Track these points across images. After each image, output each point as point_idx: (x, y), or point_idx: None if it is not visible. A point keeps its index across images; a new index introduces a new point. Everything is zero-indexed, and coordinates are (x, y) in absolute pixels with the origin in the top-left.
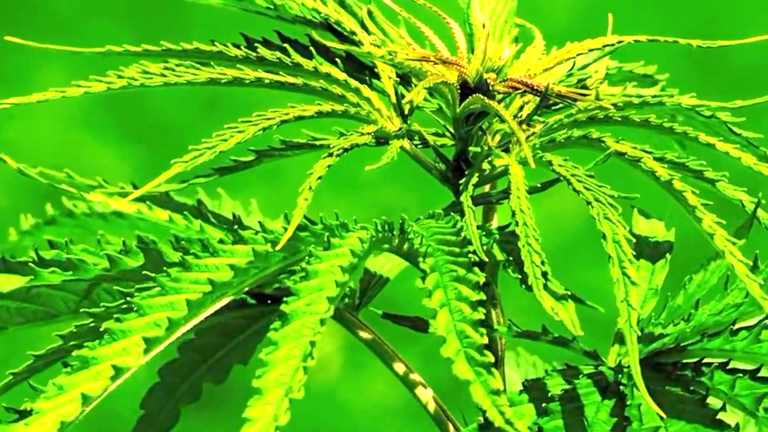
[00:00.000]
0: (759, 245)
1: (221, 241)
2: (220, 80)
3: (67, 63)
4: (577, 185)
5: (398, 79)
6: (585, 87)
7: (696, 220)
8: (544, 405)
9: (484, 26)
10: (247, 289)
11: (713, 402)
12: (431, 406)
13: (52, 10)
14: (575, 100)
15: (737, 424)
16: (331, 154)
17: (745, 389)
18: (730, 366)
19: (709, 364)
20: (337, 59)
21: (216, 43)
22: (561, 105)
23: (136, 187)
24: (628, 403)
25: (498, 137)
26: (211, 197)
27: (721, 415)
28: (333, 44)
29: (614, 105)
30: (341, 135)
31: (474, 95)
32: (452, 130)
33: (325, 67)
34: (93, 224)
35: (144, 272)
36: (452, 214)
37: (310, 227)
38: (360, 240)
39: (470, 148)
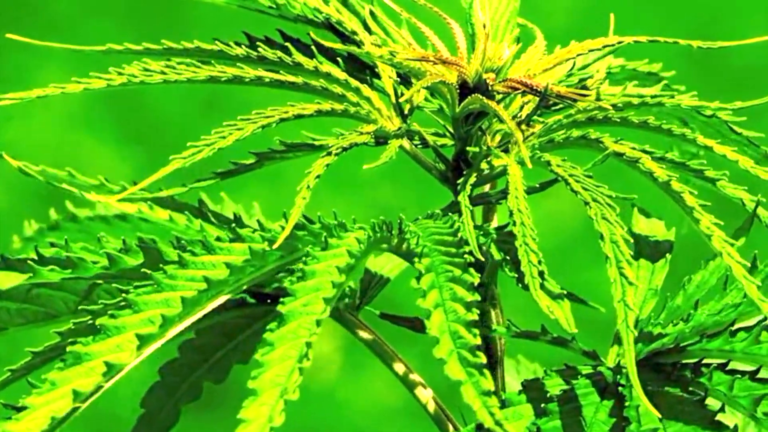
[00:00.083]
0: (758, 245)
1: (218, 239)
2: (220, 78)
3: (66, 63)
4: (575, 185)
5: (398, 79)
6: (585, 87)
7: (694, 221)
8: (542, 405)
9: (484, 26)
10: (245, 287)
11: (712, 403)
12: (431, 407)
13: (52, 10)
14: (575, 100)
15: (735, 426)
16: (329, 153)
17: (744, 390)
18: (729, 367)
19: (708, 365)
20: (338, 59)
21: (217, 41)
22: (561, 105)
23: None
24: (627, 403)
25: (498, 137)
26: (214, 201)
27: (720, 417)
28: (334, 45)
29: (614, 105)
30: (340, 135)
31: (473, 95)
32: (452, 130)
33: (326, 67)
34: (96, 228)
35: (143, 270)
36: (450, 214)
37: (308, 226)
38: (357, 240)
39: (469, 148)
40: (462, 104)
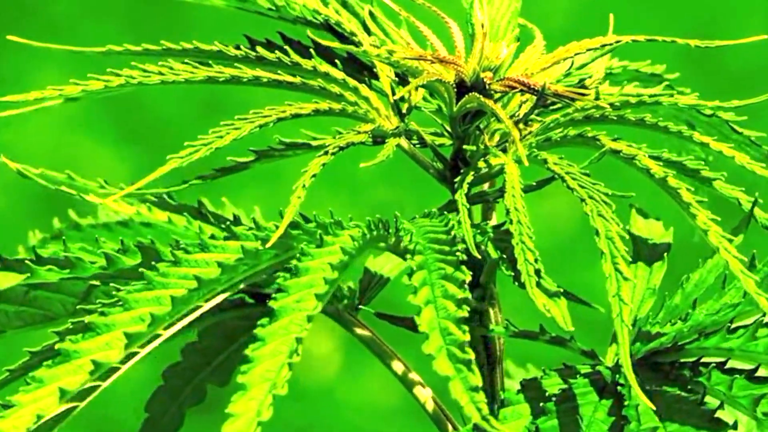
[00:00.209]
0: (756, 246)
1: (213, 237)
2: (218, 78)
3: (65, 65)
4: (571, 183)
5: (396, 79)
6: (584, 86)
7: (690, 216)
8: (540, 405)
9: (482, 26)
10: (241, 287)
11: (711, 401)
12: (429, 406)
13: (50, 11)
14: (573, 99)
15: (735, 422)
16: (326, 152)
17: (743, 389)
18: (728, 366)
19: (706, 364)
20: (337, 60)
21: (216, 42)
22: (559, 105)
23: (137, 189)
24: (626, 403)
25: (497, 137)
26: (216, 206)
27: (719, 413)
28: (333, 44)
29: (611, 104)
30: (338, 134)
31: (470, 94)
32: (450, 129)
33: (324, 67)
34: (99, 235)
35: (140, 270)
36: (446, 212)
37: (303, 225)
38: (352, 238)
39: (467, 147)
40: (459, 103)
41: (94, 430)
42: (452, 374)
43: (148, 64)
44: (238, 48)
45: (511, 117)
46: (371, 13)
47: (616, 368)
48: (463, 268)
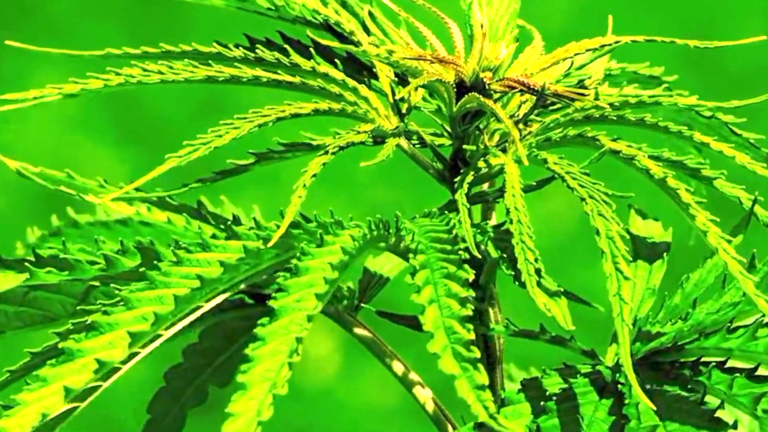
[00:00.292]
0: (756, 245)
1: (214, 236)
2: (218, 78)
3: (64, 66)
4: (571, 182)
5: (396, 79)
6: (583, 87)
7: (690, 217)
8: (541, 404)
9: (482, 26)
10: (242, 287)
11: (711, 401)
12: (429, 406)
13: (49, 11)
14: (572, 99)
15: (735, 422)
16: (326, 152)
17: (743, 388)
18: (728, 365)
19: (706, 363)
20: (336, 60)
21: (215, 43)
22: (559, 105)
23: (137, 189)
24: (626, 401)
25: (497, 137)
26: (214, 204)
27: (719, 413)
28: (332, 43)
29: (611, 105)
30: (337, 134)
31: (470, 94)
32: (449, 130)
33: (323, 67)
34: (97, 233)
35: (140, 271)
36: (447, 212)
37: (304, 225)
38: (352, 238)
39: (467, 147)
40: (459, 103)
41: (95, 431)
42: (458, 373)
43: (144, 64)
44: (237, 47)
45: (511, 117)
46: (370, 13)
47: (617, 368)
48: (466, 266)
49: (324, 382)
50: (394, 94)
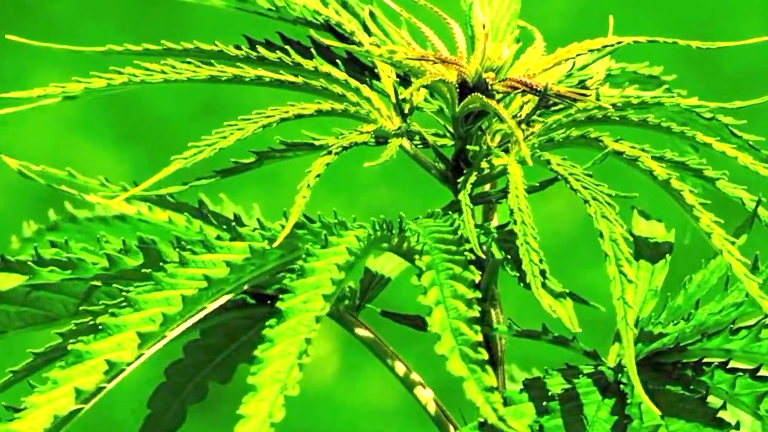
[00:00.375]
0: (759, 246)
1: (219, 238)
2: (221, 77)
3: (63, 66)
4: (574, 184)
5: (398, 80)
6: (585, 87)
7: (694, 219)
8: (544, 404)
9: (484, 27)
10: (246, 287)
11: (713, 401)
12: (431, 407)
13: (48, 12)
14: (575, 100)
15: (737, 423)
16: (329, 153)
17: (746, 388)
18: (730, 366)
19: (709, 364)
20: (337, 61)
21: (217, 42)
22: (561, 105)
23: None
24: (629, 401)
25: (498, 137)
26: (214, 202)
27: (721, 414)
28: (333, 43)
29: (613, 105)
30: (340, 135)
31: (473, 94)
32: (452, 130)
33: (326, 67)
34: (95, 229)
35: (143, 271)
36: (450, 213)
37: (308, 225)
38: (357, 238)
39: (470, 147)
40: (462, 103)
41: (89, 428)
42: (466, 375)
43: (148, 64)
44: (238, 48)
45: (513, 118)
46: (371, 14)
47: (619, 368)
48: (472, 267)
49: (323, 383)
50: (397, 94)
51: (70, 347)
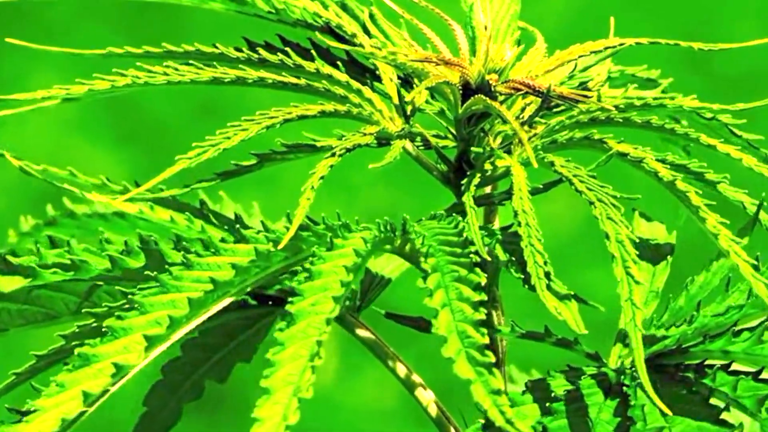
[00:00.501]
0: (760, 248)
1: (223, 240)
2: (223, 79)
3: (62, 68)
4: (579, 186)
5: (399, 81)
6: (587, 89)
7: (700, 220)
8: (547, 405)
9: (486, 28)
10: (249, 289)
11: (716, 403)
12: (432, 409)
13: (46, 16)
14: (577, 101)
15: (741, 424)
16: (333, 154)
17: (748, 391)
18: (732, 368)
19: (711, 366)
20: (338, 63)
21: (218, 45)
22: (562, 107)
23: (139, 186)
24: (632, 403)
25: (499, 139)
26: (213, 200)
27: (724, 415)
28: (335, 44)
29: (616, 107)
30: (342, 137)
31: (476, 96)
32: (454, 132)
33: (327, 69)
34: (94, 225)
35: (146, 272)
36: (454, 215)
37: (312, 227)
38: (364, 240)
39: (474, 149)
40: (465, 105)
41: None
42: (473, 377)
43: (149, 66)
44: (239, 50)
45: (516, 119)
46: (371, 15)
47: (621, 369)
48: (477, 270)
49: (321, 384)
50: (400, 96)
51: (76, 350)
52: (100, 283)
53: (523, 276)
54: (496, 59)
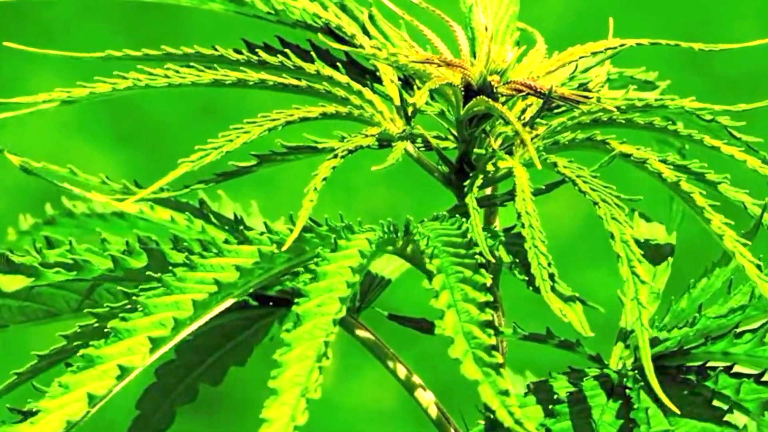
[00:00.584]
0: (761, 250)
1: (227, 242)
2: (224, 81)
3: (61, 70)
4: (583, 186)
5: (400, 82)
6: (587, 90)
7: (705, 221)
8: (550, 407)
9: (486, 29)
10: (251, 290)
11: (718, 405)
12: (432, 410)
13: (44, 17)
14: (578, 102)
15: (745, 426)
16: (336, 156)
17: (750, 393)
18: (734, 370)
19: (713, 368)
20: (338, 64)
21: (217, 47)
22: (563, 108)
23: (139, 187)
24: (635, 406)
25: (500, 140)
26: (212, 199)
27: (727, 417)
28: (335, 44)
29: (617, 108)
30: (343, 138)
31: (478, 97)
32: (455, 133)
33: (327, 71)
34: (93, 224)
35: (147, 273)
36: (457, 216)
37: (316, 228)
38: (369, 241)
39: (476, 151)
40: (467, 106)
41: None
42: (480, 378)
43: (150, 68)
44: (238, 52)
45: (518, 120)
46: (370, 16)
47: (623, 371)
48: (482, 271)
49: (321, 385)
50: (401, 97)
51: (80, 352)
52: (102, 281)
53: (527, 278)
54: (498, 60)
